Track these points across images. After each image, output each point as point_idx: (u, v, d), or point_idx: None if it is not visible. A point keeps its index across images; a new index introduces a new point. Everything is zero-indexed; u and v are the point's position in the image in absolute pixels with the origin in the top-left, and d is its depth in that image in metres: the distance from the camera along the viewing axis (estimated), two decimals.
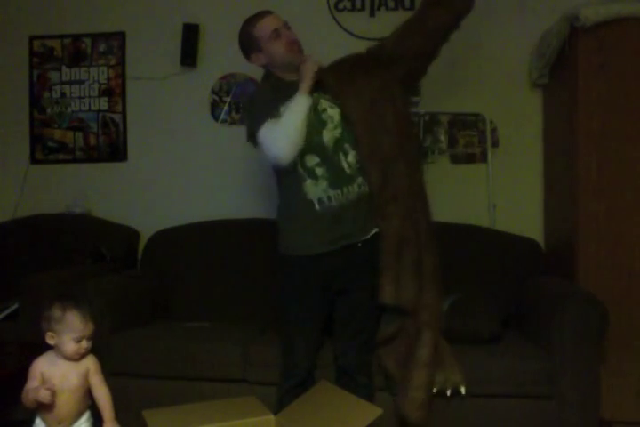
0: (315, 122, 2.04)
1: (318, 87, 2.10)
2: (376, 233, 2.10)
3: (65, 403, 1.93)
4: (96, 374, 1.99)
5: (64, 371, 1.94)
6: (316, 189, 2.01)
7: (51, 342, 1.93)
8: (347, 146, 2.06)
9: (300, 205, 2.05)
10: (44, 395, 1.83)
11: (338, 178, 2.02)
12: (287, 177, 2.08)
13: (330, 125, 2.05)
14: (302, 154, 2.01)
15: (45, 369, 1.93)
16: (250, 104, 2.23)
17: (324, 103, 2.08)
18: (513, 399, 2.20)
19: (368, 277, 2.10)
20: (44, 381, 1.90)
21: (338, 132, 2.05)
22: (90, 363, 1.99)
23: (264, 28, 2.11)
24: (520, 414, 2.21)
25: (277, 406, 2.06)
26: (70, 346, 1.92)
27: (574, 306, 2.21)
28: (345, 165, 2.03)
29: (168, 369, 2.40)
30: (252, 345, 2.40)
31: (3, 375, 2.20)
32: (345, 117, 2.08)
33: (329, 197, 2.01)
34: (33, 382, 1.90)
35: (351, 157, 2.05)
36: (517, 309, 2.66)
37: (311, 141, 2.02)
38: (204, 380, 2.38)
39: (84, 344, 1.93)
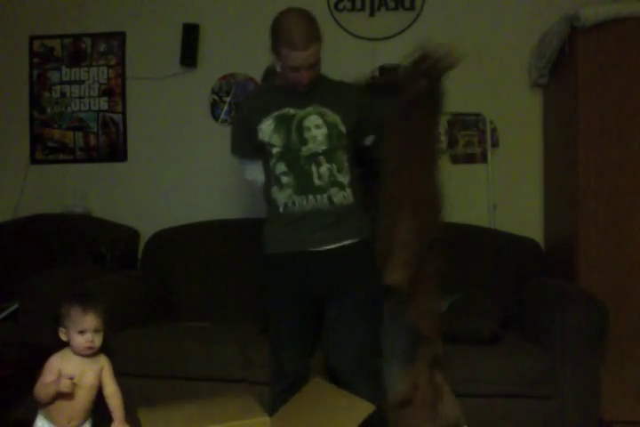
0: (295, 140, 2.00)
1: (315, 97, 2.02)
2: (354, 243, 2.04)
3: (81, 399, 1.96)
4: (108, 373, 2.02)
5: (81, 368, 1.97)
6: (281, 195, 2.04)
7: (63, 337, 1.97)
8: (321, 158, 2.01)
9: (270, 207, 2.10)
10: (65, 384, 1.86)
11: (304, 186, 2.01)
12: (265, 181, 2.13)
13: (310, 144, 2.00)
14: (273, 163, 2.04)
15: (62, 366, 1.95)
16: (236, 115, 2.25)
17: (312, 120, 2.01)
18: (513, 399, 2.20)
19: (353, 282, 2.03)
20: (62, 375, 1.91)
21: (321, 149, 2.01)
22: (103, 361, 2.02)
23: (288, 56, 1.91)
24: (520, 414, 2.21)
25: (270, 409, 2.03)
26: (76, 339, 1.94)
27: (574, 306, 2.21)
28: (314, 175, 2.01)
29: (167, 369, 2.40)
30: (252, 345, 2.40)
31: (3, 375, 2.20)
32: (332, 136, 2.02)
33: (293, 202, 2.02)
34: (50, 377, 1.91)
35: (324, 169, 2.01)
36: (517, 309, 2.66)
37: (284, 154, 2.02)
38: (203, 380, 2.38)
39: (89, 337, 1.94)
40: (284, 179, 2.02)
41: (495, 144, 3.15)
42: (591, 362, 2.20)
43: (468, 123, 3.15)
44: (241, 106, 2.31)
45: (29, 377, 2.02)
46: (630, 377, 2.52)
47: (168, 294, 2.98)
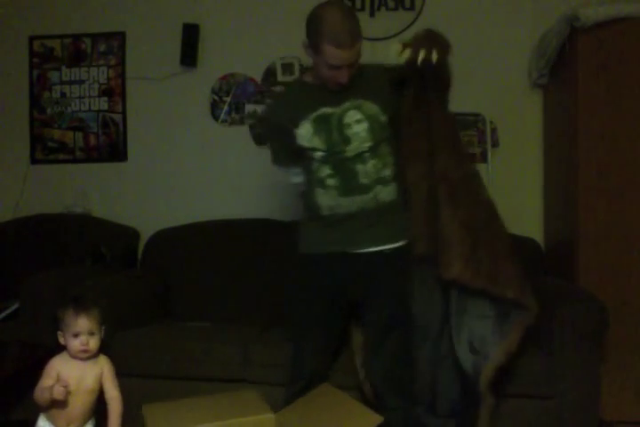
0: (338, 140, 1.94)
1: (350, 91, 1.94)
2: (393, 248, 2.00)
3: (80, 404, 1.95)
4: (109, 377, 2.00)
5: (81, 372, 1.95)
6: (325, 197, 2.00)
7: (61, 341, 1.96)
8: (367, 155, 1.96)
9: (310, 209, 2.06)
10: (58, 391, 1.85)
11: (349, 187, 1.97)
12: (305, 182, 2.08)
13: (355, 143, 1.94)
14: (316, 166, 2.00)
15: (62, 369, 1.94)
16: (266, 123, 2.19)
17: (351, 116, 1.94)
18: (513, 399, 2.20)
19: (391, 286, 2.00)
20: (59, 380, 1.90)
21: (366, 146, 1.95)
22: (103, 363, 2.00)
23: (331, 54, 1.82)
24: (520, 414, 2.21)
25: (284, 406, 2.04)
26: (71, 342, 1.93)
27: (574, 306, 2.21)
28: (360, 174, 1.96)
29: (168, 369, 2.40)
30: (252, 345, 2.40)
31: (3, 375, 2.20)
32: (375, 129, 1.95)
33: (339, 204, 1.98)
34: (48, 381, 1.91)
35: (370, 166, 1.96)
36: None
37: (328, 157, 1.97)
38: (204, 380, 2.38)
39: (83, 340, 1.92)
40: (329, 181, 1.98)
41: (495, 144, 3.14)
42: (591, 362, 2.20)
43: (468, 123, 3.15)
44: (270, 111, 2.20)
45: (29, 377, 2.02)
46: (630, 377, 2.52)
47: (168, 294, 2.98)
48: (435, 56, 1.81)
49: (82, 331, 1.93)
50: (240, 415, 1.84)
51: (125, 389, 2.32)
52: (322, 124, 1.96)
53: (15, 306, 2.72)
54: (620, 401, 2.49)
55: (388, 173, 2.00)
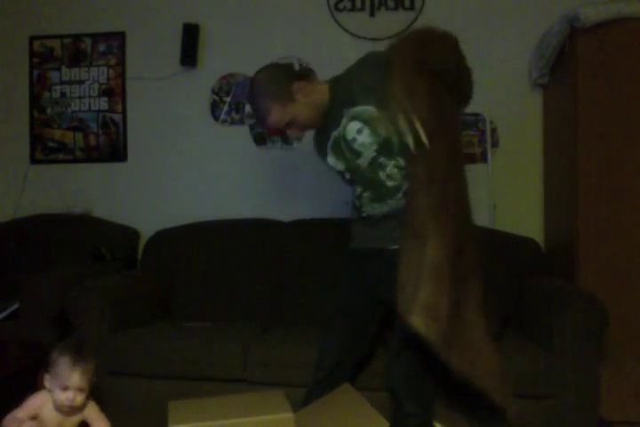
0: (350, 156, 1.99)
1: (340, 106, 1.95)
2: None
3: None
4: (98, 419, 1.93)
5: (61, 419, 1.89)
6: (363, 205, 2.06)
7: (45, 384, 1.87)
8: (383, 160, 1.95)
9: (356, 211, 2.11)
10: None
11: (380, 195, 1.99)
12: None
13: (365, 153, 1.95)
14: (352, 186, 2.09)
15: (44, 412, 1.86)
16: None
17: (352, 129, 1.94)
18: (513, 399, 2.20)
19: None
20: (37, 420, 1.83)
21: (373, 149, 1.94)
22: (88, 411, 1.92)
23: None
24: (520, 415, 2.21)
25: (304, 400, 2.07)
26: (57, 394, 1.85)
27: (574, 306, 2.21)
28: (385, 180, 1.96)
29: (168, 369, 2.40)
30: (252, 345, 2.40)
31: (3, 375, 2.20)
32: (376, 130, 1.92)
33: (373, 208, 2.03)
34: (22, 414, 1.84)
35: (390, 168, 1.95)
36: (517, 309, 2.65)
37: (352, 176, 2.04)
38: (204, 380, 2.38)
39: (71, 395, 1.83)
40: (364, 195, 2.04)
41: (495, 144, 3.15)
42: (591, 362, 2.20)
43: (468, 123, 3.15)
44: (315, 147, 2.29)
45: (29, 377, 2.02)
46: (630, 377, 2.52)
47: (168, 294, 2.98)
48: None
49: (72, 386, 1.84)
50: (260, 414, 1.84)
51: (125, 389, 2.33)
52: (337, 149, 2.02)
53: (15, 306, 2.72)
54: (620, 401, 2.49)
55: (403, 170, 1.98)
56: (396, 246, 1.89)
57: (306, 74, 2.04)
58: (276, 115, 1.97)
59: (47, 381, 1.87)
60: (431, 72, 1.84)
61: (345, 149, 2.00)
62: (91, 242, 3.11)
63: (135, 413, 2.36)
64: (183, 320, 2.82)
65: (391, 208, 1.98)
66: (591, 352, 2.20)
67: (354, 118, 1.95)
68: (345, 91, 1.97)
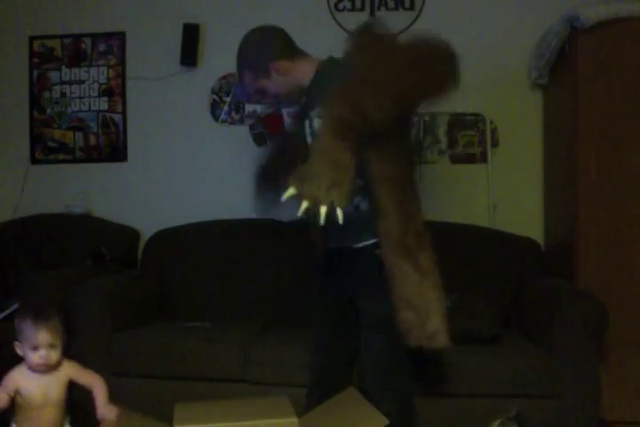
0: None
1: (313, 100, 1.88)
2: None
3: (49, 417, 1.86)
4: (81, 375, 1.91)
5: (45, 386, 1.86)
6: None
7: (18, 352, 1.86)
8: None
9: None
10: (1, 399, 1.77)
11: None
12: None
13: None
14: None
15: (22, 385, 1.84)
16: None
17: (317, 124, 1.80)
18: (513, 399, 2.20)
19: (367, 287, 1.89)
20: (21, 395, 1.82)
21: None
22: (68, 369, 1.90)
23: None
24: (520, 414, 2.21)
25: (306, 405, 2.03)
26: (29, 355, 1.83)
27: (574, 306, 2.21)
28: None
29: (168, 369, 2.40)
30: (252, 345, 2.40)
31: (3, 375, 2.20)
32: None
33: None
34: (1, 393, 1.81)
35: None
36: (517, 309, 2.66)
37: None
38: (204, 380, 2.38)
39: (43, 353, 1.82)
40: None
41: (495, 144, 3.15)
42: (591, 362, 2.20)
43: (468, 123, 3.15)
44: None
45: None
46: (630, 377, 2.52)
47: (168, 294, 2.98)
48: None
49: (41, 344, 1.81)
50: (264, 418, 1.85)
51: (125, 389, 2.33)
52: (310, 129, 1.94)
53: (15, 306, 2.71)
54: (620, 401, 2.49)
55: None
56: (361, 244, 1.89)
57: (292, 51, 1.96)
58: (247, 82, 1.97)
59: (18, 348, 1.85)
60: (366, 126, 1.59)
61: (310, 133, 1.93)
62: (91, 242, 3.11)
63: (136, 412, 2.36)
64: (183, 320, 2.82)
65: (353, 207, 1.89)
66: (591, 352, 2.20)
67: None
68: (318, 84, 1.89)
